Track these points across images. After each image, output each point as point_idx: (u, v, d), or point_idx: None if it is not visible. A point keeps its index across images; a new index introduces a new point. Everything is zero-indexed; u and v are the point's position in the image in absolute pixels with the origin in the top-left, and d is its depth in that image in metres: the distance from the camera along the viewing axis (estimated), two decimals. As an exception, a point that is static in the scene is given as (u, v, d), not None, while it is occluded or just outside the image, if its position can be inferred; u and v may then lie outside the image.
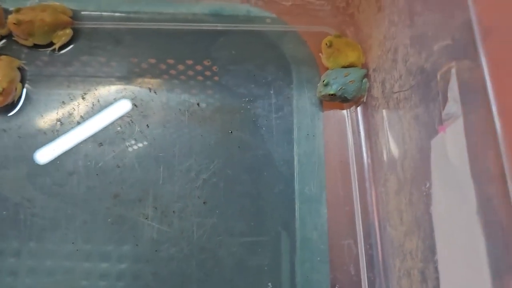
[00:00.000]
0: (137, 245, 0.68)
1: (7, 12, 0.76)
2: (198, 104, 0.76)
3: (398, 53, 0.65)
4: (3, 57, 0.75)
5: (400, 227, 0.63)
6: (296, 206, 0.71)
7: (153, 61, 0.79)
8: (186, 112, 0.75)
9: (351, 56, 0.76)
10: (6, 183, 0.70)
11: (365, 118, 0.77)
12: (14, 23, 0.73)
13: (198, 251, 0.68)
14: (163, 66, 0.78)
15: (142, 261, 0.67)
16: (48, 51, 0.77)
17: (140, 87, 0.76)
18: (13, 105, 0.74)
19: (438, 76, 0.53)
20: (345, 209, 0.72)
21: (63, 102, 0.75)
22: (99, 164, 0.71)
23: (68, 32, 0.77)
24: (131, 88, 0.76)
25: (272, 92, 0.77)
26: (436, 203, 0.54)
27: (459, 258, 0.49)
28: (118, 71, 0.78)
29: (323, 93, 0.75)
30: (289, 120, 0.76)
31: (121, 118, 0.74)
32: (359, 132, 0.76)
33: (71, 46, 0.79)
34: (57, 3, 0.78)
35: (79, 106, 0.75)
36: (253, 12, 0.82)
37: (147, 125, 0.74)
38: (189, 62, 0.79)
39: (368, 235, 0.71)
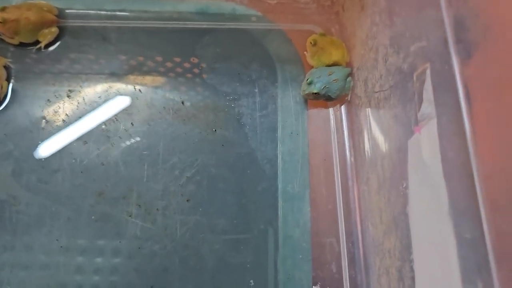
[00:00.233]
0: (120, 242, 0.68)
1: (-8, 10, 0.77)
2: (182, 102, 0.76)
3: (379, 53, 0.65)
4: (-12, 55, 0.75)
5: (380, 226, 0.64)
6: (279, 204, 0.72)
7: (141, 59, 0.79)
8: (171, 110, 0.75)
9: (335, 55, 0.77)
10: (-8, 180, 0.71)
11: (349, 117, 0.77)
12: (0, 22, 0.73)
13: (181, 248, 0.69)
14: (151, 64, 0.79)
15: (125, 257, 0.68)
16: (34, 49, 0.77)
17: (126, 85, 0.77)
18: (-1, 102, 0.74)
19: (414, 77, 0.54)
20: (328, 207, 0.73)
21: (49, 100, 0.75)
22: (84, 162, 0.72)
23: (54, 30, 0.77)
24: (117, 86, 0.77)
25: (256, 90, 0.78)
26: (412, 203, 0.55)
27: (432, 258, 0.50)
28: (104, 69, 0.78)
29: (307, 92, 0.75)
30: (273, 118, 0.76)
31: (106, 116, 0.74)
32: (343, 131, 0.76)
33: (57, 44, 0.79)
34: (43, 2, 0.79)
35: (64, 104, 0.75)
36: (238, 10, 0.82)
37: (131, 123, 0.74)
38: (177, 60, 0.79)
39: (350, 233, 0.71)
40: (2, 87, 0.73)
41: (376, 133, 0.67)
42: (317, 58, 0.77)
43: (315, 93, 0.74)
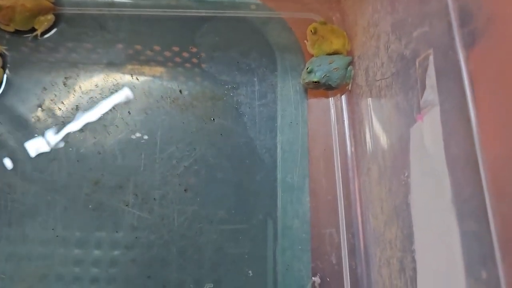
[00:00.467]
0: (117, 231, 0.68)
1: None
2: (180, 91, 0.75)
3: (380, 40, 0.64)
4: (-16, 42, 0.74)
5: (381, 216, 0.63)
6: (278, 194, 0.71)
7: (138, 47, 0.78)
8: (168, 99, 0.74)
9: (336, 43, 0.75)
10: (-14, 169, 0.70)
11: (350, 106, 0.76)
12: (-5, 9, 0.72)
13: (178, 238, 0.68)
14: (149, 52, 0.77)
15: (122, 247, 0.67)
16: (30, 37, 0.76)
17: (123, 74, 0.75)
18: (-6, 90, 0.73)
19: (417, 63, 0.53)
20: (328, 198, 0.72)
21: (45, 88, 0.74)
22: (80, 151, 0.71)
23: (50, 17, 0.76)
24: (114, 75, 0.75)
25: (255, 79, 0.77)
26: (414, 192, 0.54)
27: (435, 248, 0.49)
28: (102, 58, 0.77)
29: (307, 81, 0.74)
30: (273, 107, 0.75)
31: (102, 104, 0.73)
32: (343, 121, 0.75)
33: (54, 32, 0.78)
34: (39, -12, 0.77)
35: (60, 93, 0.74)
36: (238, -2, 0.81)
37: (128, 111, 0.73)
38: (176, 48, 0.78)
39: (350, 224, 0.70)
40: (-3, 74, 0.72)
41: (377, 122, 0.66)
42: (318, 46, 0.76)
43: (315, 82, 0.73)
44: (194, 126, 0.73)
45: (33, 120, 0.72)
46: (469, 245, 0.42)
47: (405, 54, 0.56)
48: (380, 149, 0.64)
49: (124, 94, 0.74)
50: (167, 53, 0.77)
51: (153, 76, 0.76)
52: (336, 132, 0.75)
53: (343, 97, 0.77)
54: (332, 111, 0.76)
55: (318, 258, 0.69)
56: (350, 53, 0.77)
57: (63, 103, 0.73)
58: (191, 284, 0.66)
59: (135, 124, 0.72)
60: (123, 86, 0.75)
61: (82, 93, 0.74)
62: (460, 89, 0.43)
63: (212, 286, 0.66)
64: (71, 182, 0.69)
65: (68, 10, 0.79)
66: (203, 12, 0.80)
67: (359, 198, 0.71)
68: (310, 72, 0.73)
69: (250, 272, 0.67)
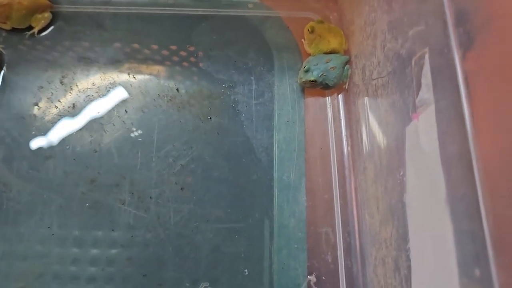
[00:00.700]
0: (113, 230, 0.67)
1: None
2: (177, 90, 0.75)
3: (377, 39, 0.64)
4: (-19, 40, 0.74)
5: (376, 215, 0.63)
6: (274, 193, 0.71)
7: (136, 46, 0.78)
8: (165, 97, 0.74)
9: (333, 42, 0.75)
10: (-17, 167, 0.70)
11: (347, 105, 0.76)
12: (-8, 6, 0.72)
13: (174, 237, 0.68)
14: (146, 51, 0.77)
15: (118, 246, 0.67)
16: (27, 35, 0.76)
17: (120, 72, 0.75)
18: (-10, 88, 0.73)
19: (413, 62, 0.53)
20: (324, 197, 0.72)
21: (41, 87, 0.74)
22: (76, 149, 0.71)
23: (47, 15, 0.76)
24: (111, 73, 0.75)
25: (252, 78, 0.77)
26: (409, 191, 0.54)
27: (429, 247, 0.49)
28: (99, 56, 0.77)
29: (304, 79, 0.74)
30: (269, 106, 0.75)
31: (99, 103, 0.73)
32: (340, 120, 0.75)
33: (51, 30, 0.78)
34: (36, -14, 0.77)
35: (57, 91, 0.74)
36: (235, -3, 0.81)
37: (125, 110, 0.73)
38: (173, 47, 0.78)
39: (346, 223, 0.70)
40: (-6, 72, 0.72)
41: (373, 121, 0.66)
42: (315, 45, 0.76)
43: (312, 81, 0.73)
44: (191, 124, 0.73)
45: (29, 118, 0.72)
46: (462, 244, 0.42)
47: (401, 53, 0.56)
48: (376, 148, 0.64)
49: (121, 92, 0.74)
50: (165, 52, 0.77)
51: (150, 74, 0.76)
52: (333, 131, 0.75)
53: (340, 96, 0.77)
54: (329, 110, 0.76)
55: (314, 257, 0.69)
56: (347, 52, 0.77)
57: (59, 101, 0.73)
58: (187, 283, 0.66)
59: (132, 122, 0.72)
60: (120, 84, 0.75)
61: (79, 92, 0.74)
62: (455, 88, 0.43)
63: (208, 285, 0.66)
64: (67, 181, 0.69)
65: (65, 8, 0.79)
66: (200, 11, 0.80)
67: (355, 197, 0.71)
68: (307, 71, 0.73)
69: (246, 271, 0.67)
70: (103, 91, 0.74)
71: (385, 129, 0.61)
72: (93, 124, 0.72)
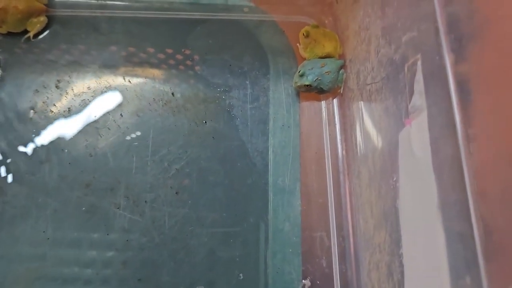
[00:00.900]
0: (108, 234, 0.68)
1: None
2: (173, 94, 0.75)
3: (371, 44, 0.64)
4: (-24, 44, 0.74)
5: (370, 220, 0.63)
6: (269, 197, 0.71)
7: (132, 49, 0.78)
8: (161, 101, 0.74)
9: (328, 47, 0.76)
10: (-22, 171, 0.70)
11: (341, 110, 0.76)
12: (-13, 11, 0.72)
13: (169, 241, 0.68)
14: (142, 55, 0.77)
15: (113, 250, 0.67)
16: (22, 39, 0.76)
17: (115, 76, 0.76)
18: (-14, 92, 0.73)
19: (406, 68, 0.53)
20: (319, 201, 0.72)
21: (37, 91, 0.74)
22: (72, 153, 0.71)
23: (43, 19, 0.76)
24: (106, 77, 0.75)
25: (248, 82, 0.77)
26: (402, 196, 0.54)
27: (422, 252, 0.49)
28: (95, 60, 0.77)
29: (298, 84, 0.74)
30: (265, 110, 0.75)
31: (94, 106, 0.73)
32: (335, 124, 0.76)
33: (47, 34, 0.78)
34: (32, -10, 0.77)
35: (53, 95, 0.74)
36: (230, 1, 0.81)
37: (120, 114, 0.73)
38: (169, 51, 0.78)
39: (341, 227, 0.70)
40: (-11, 76, 0.72)
41: (368, 126, 0.66)
42: (310, 50, 0.76)
43: (307, 85, 0.73)
44: (186, 128, 0.73)
45: (25, 122, 0.72)
46: (454, 250, 0.42)
47: (394, 59, 0.56)
48: (370, 152, 0.64)
49: (116, 96, 0.74)
50: (161, 55, 0.78)
51: (146, 78, 0.76)
52: (328, 135, 0.75)
53: (335, 100, 0.77)
54: (324, 114, 0.76)
55: (308, 261, 0.69)
56: (342, 56, 0.77)
57: (55, 105, 0.73)
58: (182, 287, 0.66)
59: (127, 126, 0.73)
60: (115, 88, 0.75)
61: (75, 96, 0.74)
62: (447, 94, 0.44)
63: (202, 288, 0.67)
64: (62, 185, 0.69)
65: (61, 12, 0.79)
66: (196, 15, 0.80)
67: (350, 202, 0.71)
68: (302, 75, 0.73)
69: (241, 275, 0.67)
70: (99, 95, 0.74)
71: (379, 134, 0.62)
72: (89, 128, 0.72)
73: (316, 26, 0.77)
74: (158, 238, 0.68)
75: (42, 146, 0.71)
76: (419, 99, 0.50)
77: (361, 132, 0.68)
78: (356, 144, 0.70)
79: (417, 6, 0.50)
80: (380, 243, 0.59)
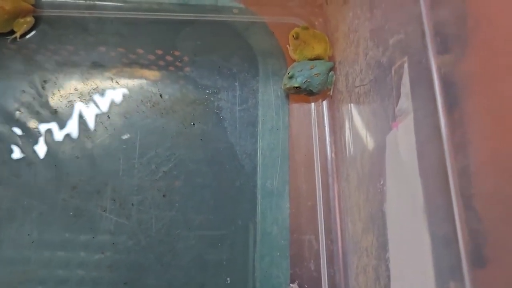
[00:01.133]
0: (94, 237, 0.67)
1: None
2: (160, 95, 0.74)
3: (360, 46, 0.63)
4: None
5: (358, 223, 0.63)
6: (257, 200, 0.71)
7: (121, 50, 0.77)
8: (148, 103, 0.74)
9: (318, 49, 0.75)
10: (-38, 172, 0.69)
11: (331, 112, 0.75)
12: (-27, 11, 0.71)
13: (156, 244, 0.67)
14: (131, 56, 0.77)
15: (98, 253, 0.66)
16: (9, 39, 0.75)
17: (102, 77, 0.75)
18: (-28, 93, 0.72)
19: (393, 71, 0.52)
20: (308, 204, 0.71)
21: (23, 91, 0.73)
22: (58, 155, 0.70)
23: (30, 20, 0.75)
24: (93, 78, 0.75)
25: (237, 84, 0.76)
26: (388, 200, 0.53)
27: (407, 256, 0.48)
28: (82, 60, 0.76)
29: (288, 86, 0.73)
30: (254, 112, 0.75)
31: (81, 108, 0.73)
32: (324, 126, 0.75)
33: (34, 34, 0.77)
34: (19, -10, 0.76)
35: (39, 95, 0.73)
36: (220, 2, 0.80)
37: (108, 115, 0.72)
38: (159, 52, 0.77)
39: (329, 230, 0.70)
40: (-25, 77, 0.71)
41: (356, 129, 0.65)
42: (299, 51, 0.76)
43: (296, 87, 0.72)
44: (174, 130, 0.73)
45: (10, 123, 0.71)
46: (439, 255, 0.42)
47: (382, 62, 0.55)
48: (359, 155, 0.64)
49: (103, 98, 0.74)
50: (149, 57, 0.77)
51: (134, 79, 0.75)
52: (317, 137, 0.74)
53: (324, 102, 0.76)
54: (313, 116, 0.76)
55: (296, 265, 0.68)
56: (331, 58, 0.77)
57: (41, 106, 0.72)
58: (169, 290, 0.66)
59: (114, 128, 0.72)
60: (103, 89, 0.74)
61: (61, 97, 0.73)
62: (432, 97, 0.43)
63: (190, 292, 0.66)
64: (48, 187, 0.68)
65: (48, 12, 0.78)
66: (185, 16, 0.80)
67: (339, 205, 0.71)
68: (291, 77, 0.73)
69: (228, 279, 0.67)
70: (86, 96, 0.73)
71: (368, 137, 0.61)
72: (75, 130, 0.71)
73: (306, 28, 0.76)
74: (144, 241, 0.67)
75: (28, 148, 0.70)
76: (405, 102, 0.49)
77: (350, 134, 0.68)
78: (345, 146, 0.69)
79: (404, 8, 0.50)
80: (367, 247, 0.59)
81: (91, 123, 0.72)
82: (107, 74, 0.75)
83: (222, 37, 0.79)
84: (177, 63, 0.77)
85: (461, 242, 0.38)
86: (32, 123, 0.71)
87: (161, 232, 0.68)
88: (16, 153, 0.70)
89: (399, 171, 0.51)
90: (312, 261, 0.69)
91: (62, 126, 0.71)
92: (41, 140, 0.71)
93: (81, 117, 0.72)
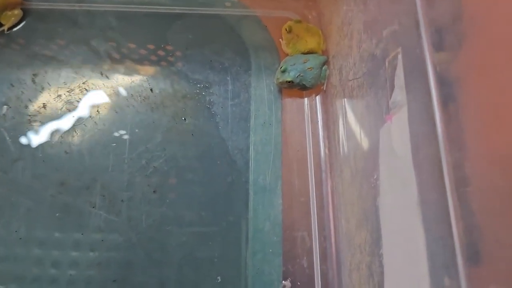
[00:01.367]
0: (82, 234, 0.65)
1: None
2: (151, 90, 0.73)
3: (353, 39, 0.62)
4: None
5: (352, 219, 0.62)
6: (249, 196, 0.69)
7: (112, 44, 0.76)
8: (139, 97, 0.72)
9: (311, 42, 0.74)
10: None
11: (324, 107, 0.74)
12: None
13: (146, 241, 0.66)
14: (123, 50, 0.75)
15: (87, 250, 0.65)
16: (-4, 32, 0.74)
17: (92, 71, 0.73)
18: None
19: (387, 63, 0.51)
20: (301, 200, 0.70)
21: (12, 85, 0.72)
22: (46, 150, 0.69)
23: (17, 12, 0.74)
24: (83, 72, 0.73)
25: (229, 78, 0.75)
26: (382, 195, 0.52)
27: (401, 252, 0.47)
28: (72, 54, 0.75)
29: (280, 80, 0.72)
30: (246, 107, 0.74)
31: (70, 102, 0.71)
32: (317, 121, 0.74)
33: (23, 27, 0.75)
34: (6, -18, 0.75)
35: (28, 90, 0.72)
36: (212, -5, 0.79)
37: (97, 110, 0.71)
38: (150, 46, 0.76)
39: (322, 227, 0.69)
40: (-39, 71, 0.70)
41: (350, 123, 0.64)
42: (292, 45, 0.75)
43: (289, 82, 0.71)
44: (165, 125, 0.71)
45: (-2, 118, 0.70)
46: (433, 251, 0.41)
47: (375, 54, 0.54)
48: (353, 150, 0.62)
49: (93, 92, 0.72)
50: (140, 50, 0.76)
51: (124, 73, 0.74)
52: (310, 133, 0.73)
53: (318, 97, 0.75)
54: (307, 111, 0.75)
55: (289, 262, 0.67)
56: (325, 52, 0.75)
57: (30, 100, 0.71)
58: (159, 288, 0.65)
59: (104, 123, 0.70)
60: (92, 84, 0.73)
61: (50, 91, 0.72)
62: (427, 89, 0.42)
63: (180, 290, 0.65)
64: (36, 183, 0.67)
65: (37, 5, 0.77)
66: (176, 9, 0.79)
67: (332, 201, 0.70)
68: (284, 71, 0.72)
69: (219, 278, 0.65)
70: (75, 91, 0.72)
71: (361, 132, 0.60)
72: (64, 125, 0.70)
73: (299, 21, 0.75)
74: (134, 238, 0.66)
75: (15, 143, 0.69)
76: (399, 94, 0.48)
77: (344, 129, 0.67)
78: (338, 141, 0.68)
79: (398, -2, 0.49)
80: (361, 243, 0.58)
81: (80, 118, 0.70)
82: (97, 68, 0.74)
83: (214, 30, 0.78)
84: (168, 57, 0.75)
85: (456, 237, 0.37)
86: (20, 118, 0.70)
87: (152, 228, 0.67)
88: (3, 149, 0.68)
89: (392, 164, 0.50)
90: (305, 258, 0.67)
91: (50, 120, 0.70)
92: (30, 135, 0.69)
93: (70, 111, 0.71)
